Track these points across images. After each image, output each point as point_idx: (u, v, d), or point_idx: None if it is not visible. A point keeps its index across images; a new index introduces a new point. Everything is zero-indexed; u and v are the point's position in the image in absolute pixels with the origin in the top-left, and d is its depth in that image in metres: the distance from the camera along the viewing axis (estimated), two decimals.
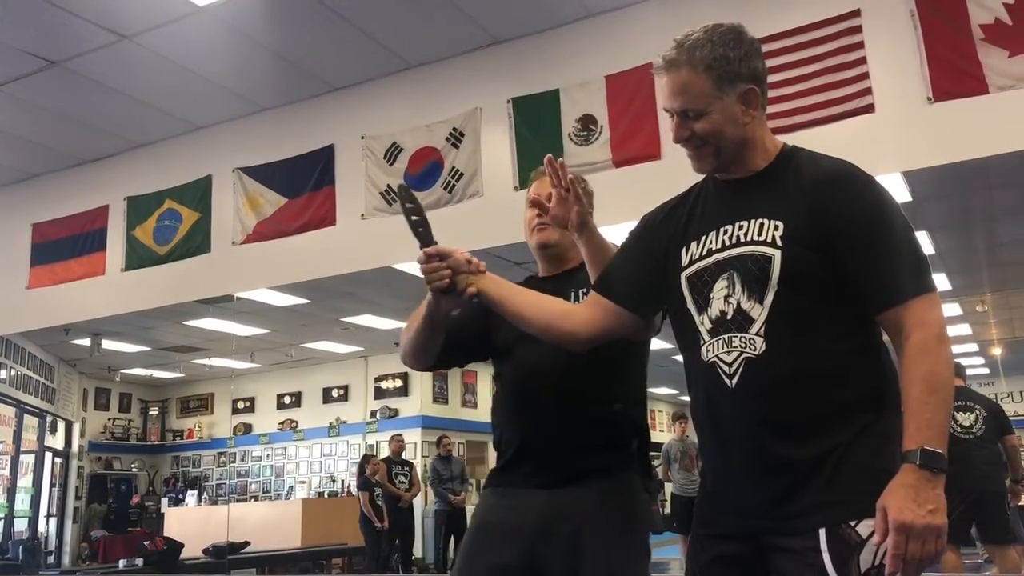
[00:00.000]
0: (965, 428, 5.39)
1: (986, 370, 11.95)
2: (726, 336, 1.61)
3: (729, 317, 1.61)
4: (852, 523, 1.47)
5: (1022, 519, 7.21)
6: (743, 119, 1.68)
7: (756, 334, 1.57)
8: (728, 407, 1.60)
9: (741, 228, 1.64)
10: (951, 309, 9.70)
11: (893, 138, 4.05)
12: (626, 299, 1.81)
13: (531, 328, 1.87)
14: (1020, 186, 5.83)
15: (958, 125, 3.90)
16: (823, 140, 4.08)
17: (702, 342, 1.64)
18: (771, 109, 4.15)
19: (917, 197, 5.75)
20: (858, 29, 4.10)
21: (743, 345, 1.58)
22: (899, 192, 5.50)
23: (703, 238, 1.70)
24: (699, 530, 1.72)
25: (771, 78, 4.26)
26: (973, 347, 11.48)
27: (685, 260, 1.71)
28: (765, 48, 4.53)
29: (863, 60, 4.07)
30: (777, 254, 1.57)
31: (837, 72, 4.11)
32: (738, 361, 1.58)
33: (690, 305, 1.68)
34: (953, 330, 10.59)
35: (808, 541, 1.49)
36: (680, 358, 1.75)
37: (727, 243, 1.65)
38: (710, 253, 1.67)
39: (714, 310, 1.63)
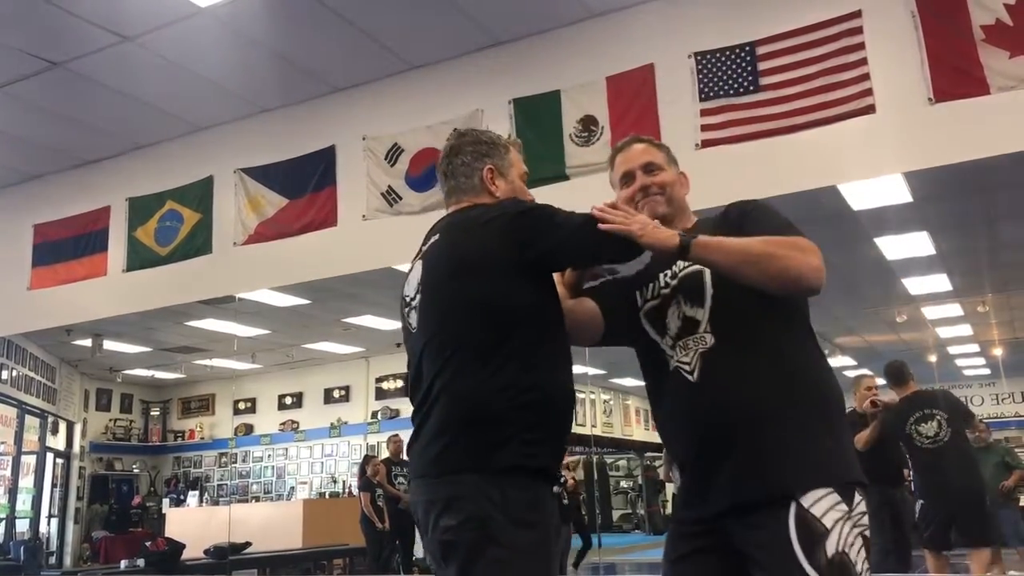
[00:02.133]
0: (931, 438, 5.28)
1: (987, 371, 11.96)
2: (681, 342, 1.94)
3: (681, 327, 1.95)
4: (815, 509, 1.70)
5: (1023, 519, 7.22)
6: (682, 190, 2.19)
7: (704, 331, 1.91)
8: (691, 400, 1.88)
9: (676, 265, 2.01)
10: (952, 310, 9.69)
11: (894, 139, 4.06)
12: (609, 333, 2.17)
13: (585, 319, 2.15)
14: (1021, 187, 5.83)
15: (959, 126, 3.89)
16: (824, 141, 4.11)
17: (667, 357, 1.97)
18: (772, 110, 4.22)
19: (918, 198, 5.75)
20: (859, 30, 4.10)
21: (696, 344, 1.91)
22: (900, 193, 5.50)
23: (651, 285, 2.08)
24: (675, 526, 1.97)
25: (773, 79, 4.34)
26: (974, 348, 11.48)
27: (640, 303, 2.08)
28: (766, 49, 4.60)
29: (864, 61, 4.07)
30: (706, 268, 1.93)
31: (838, 73, 4.10)
32: (694, 358, 1.90)
33: (653, 335, 2.02)
34: (954, 331, 10.67)
35: (779, 532, 1.71)
36: None
37: (669, 282, 2.03)
38: (659, 294, 2.04)
39: (672, 329, 1.97)
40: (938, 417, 5.33)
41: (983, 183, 5.74)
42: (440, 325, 1.94)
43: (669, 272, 2.03)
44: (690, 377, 1.88)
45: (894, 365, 5.66)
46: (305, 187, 5.52)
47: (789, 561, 1.68)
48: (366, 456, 10.27)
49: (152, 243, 6.06)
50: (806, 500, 1.72)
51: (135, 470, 13.44)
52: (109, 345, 10.17)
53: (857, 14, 4.12)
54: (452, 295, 1.93)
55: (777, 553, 1.70)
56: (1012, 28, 3.76)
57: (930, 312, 9.75)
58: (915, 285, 8.59)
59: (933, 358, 10.47)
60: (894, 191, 5.43)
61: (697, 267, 1.95)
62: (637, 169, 2.14)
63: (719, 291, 1.91)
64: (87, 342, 9.67)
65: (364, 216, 5.26)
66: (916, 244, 7.20)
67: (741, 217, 2.00)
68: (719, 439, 1.81)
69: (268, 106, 5.78)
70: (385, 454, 10.07)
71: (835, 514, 1.71)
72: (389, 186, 5.22)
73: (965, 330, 10.60)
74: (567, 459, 9.60)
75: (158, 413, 13.87)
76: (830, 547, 1.68)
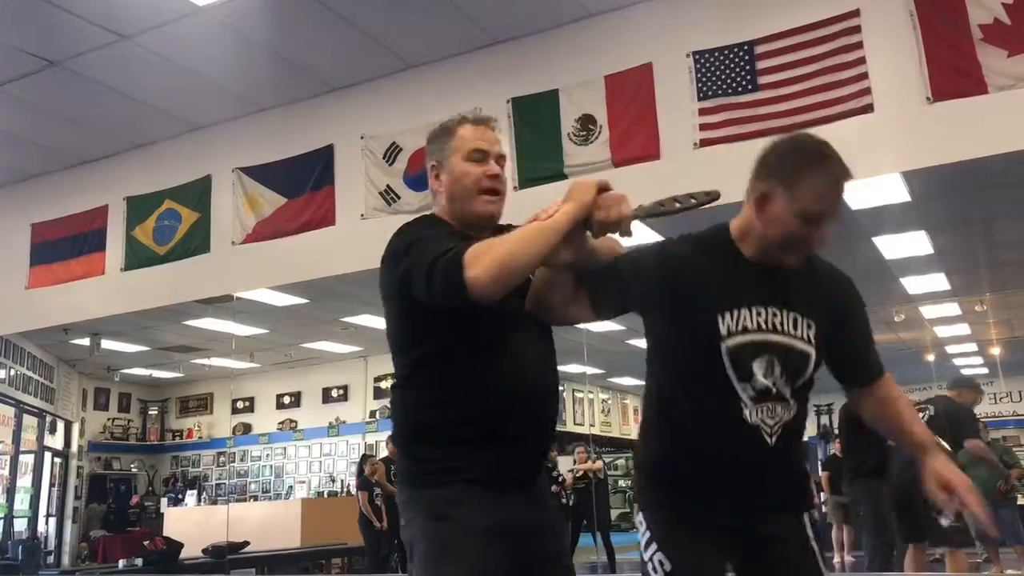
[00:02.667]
0: None
1: (985, 370, 11.94)
2: (769, 404, 1.91)
3: (773, 393, 1.91)
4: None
5: (1022, 519, 7.22)
6: None
7: (791, 404, 1.94)
8: (764, 459, 1.93)
9: (775, 316, 1.92)
10: (950, 309, 9.70)
11: (892, 138, 4.06)
12: (601, 306, 2.03)
13: (560, 284, 1.98)
14: (1019, 186, 5.83)
15: (957, 125, 3.90)
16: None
17: (743, 406, 1.90)
18: (770, 109, 4.22)
19: (916, 197, 5.75)
20: (857, 29, 4.11)
21: (784, 413, 1.93)
22: (898, 192, 5.51)
23: (736, 312, 1.90)
24: (673, 516, 2.00)
25: (771, 78, 4.34)
26: (972, 347, 11.49)
27: (723, 330, 1.90)
28: (765, 48, 4.59)
29: (862, 60, 4.07)
30: (813, 354, 1.94)
31: (836, 72, 4.11)
32: (778, 424, 1.93)
33: (730, 373, 1.90)
34: (952, 330, 10.68)
35: (796, 531, 1.99)
36: None
37: (763, 326, 1.91)
38: (746, 331, 1.90)
39: (757, 383, 1.90)
40: (927, 412, 5.40)
41: (981, 182, 5.74)
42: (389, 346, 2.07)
43: (763, 314, 1.90)
44: (769, 440, 1.93)
45: (960, 377, 6.22)
46: (303, 186, 5.51)
47: (808, 551, 1.98)
48: (364, 455, 10.27)
49: (150, 242, 6.06)
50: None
51: (133, 469, 13.43)
52: (107, 344, 10.15)
53: (855, 13, 4.12)
54: (386, 324, 2.07)
55: (798, 544, 1.98)
56: (1010, 27, 3.77)
57: (928, 311, 9.76)
58: (913, 284, 8.60)
59: (931, 357, 10.49)
60: (892, 190, 5.43)
61: (805, 347, 1.94)
62: (829, 219, 1.86)
63: (811, 375, 1.99)
64: (85, 341, 9.66)
65: (362, 215, 5.26)
66: (914, 243, 7.20)
67: (850, 310, 2.04)
68: (770, 488, 1.98)
69: (266, 105, 5.77)
70: (383, 453, 10.07)
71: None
72: (387, 185, 5.22)
73: (963, 329, 10.61)
74: (586, 459, 9.57)
75: (156, 412, 13.86)
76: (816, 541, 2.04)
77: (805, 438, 2.20)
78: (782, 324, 1.91)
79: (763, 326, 1.90)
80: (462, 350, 1.90)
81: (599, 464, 9.64)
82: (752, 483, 1.96)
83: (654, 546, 1.98)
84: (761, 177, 1.89)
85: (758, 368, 1.88)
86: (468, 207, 2.00)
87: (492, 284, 1.74)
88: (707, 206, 1.91)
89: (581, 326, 4.72)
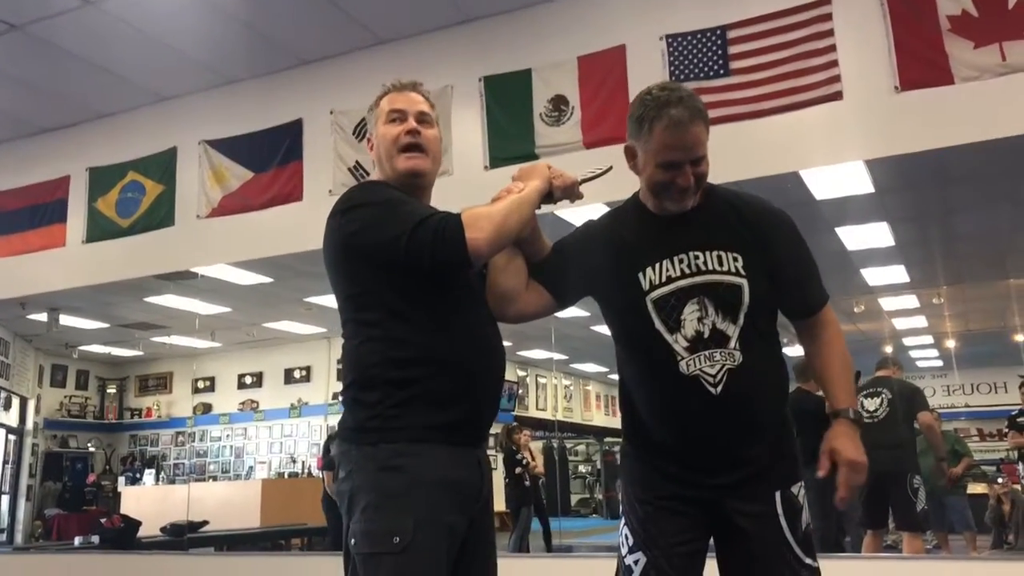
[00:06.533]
0: (870, 412, 5.41)
1: (940, 362, 12.19)
2: (706, 352, 1.90)
3: (706, 336, 1.91)
4: (793, 489, 1.95)
5: (971, 507, 7.40)
6: None
7: (733, 348, 1.90)
8: (710, 411, 1.90)
9: (698, 258, 1.94)
10: (908, 301, 9.88)
11: (860, 125, 4.12)
12: (560, 293, 2.08)
13: (508, 282, 2.04)
14: (977, 179, 5.94)
15: (924, 114, 3.97)
16: (791, 126, 4.16)
17: (679, 358, 1.92)
18: (741, 95, 4.26)
19: (879, 188, 5.83)
20: (828, 17, 4.16)
21: (724, 359, 1.90)
22: (862, 182, 5.58)
23: (657, 266, 1.96)
24: (646, 495, 1.99)
25: (741, 63, 4.37)
26: (928, 339, 11.70)
27: (645, 285, 1.96)
28: (737, 33, 4.61)
29: (832, 48, 4.13)
30: (744, 283, 1.92)
31: (806, 59, 4.16)
32: (721, 372, 1.89)
33: (659, 326, 1.94)
34: (909, 322, 10.85)
35: (766, 507, 1.91)
36: None
37: (686, 271, 1.94)
38: (670, 280, 1.95)
39: (688, 330, 1.92)
40: (883, 395, 5.50)
41: (941, 175, 5.85)
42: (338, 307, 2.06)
43: (684, 260, 1.94)
44: (713, 390, 1.89)
45: (890, 356, 6.14)
46: (271, 161, 5.46)
47: (777, 534, 1.90)
48: (330, 435, 10.22)
49: (113, 214, 5.96)
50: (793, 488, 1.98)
51: (90, 448, 13.22)
52: (66, 320, 9.97)
53: (826, 1, 4.17)
54: (332, 284, 2.05)
55: (766, 525, 1.91)
56: (977, 19, 3.84)
57: (887, 303, 9.92)
58: (873, 276, 8.73)
59: (889, 348, 10.66)
60: (857, 182, 5.50)
61: (734, 278, 1.92)
62: (688, 162, 1.92)
63: (752, 311, 1.93)
64: (43, 316, 9.47)
65: (331, 191, 5.21)
66: (876, 235, 7.31)
67: (778, 241, 2.00)
68: (732, 449, 1.94)
69: (235, 77, 5.70)
70: None
71: (802, 492, 1.97)
72: (357, 161, 5.18)
73: (920, 321, 10.81)
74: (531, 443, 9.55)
75: (115, 391, 13.65)
76: (803, 521, 1.94)
77: None
78: (706, 264, 1.93)
79: (687, 271, 1.94)
80: (413, 310, 1.92)
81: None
82: (703, 438, 1.93)
83: (623, 519, 2.04)
84: (627, 135, 2.01)
85: (690, 312, 1.92)
86: (393, 166, 2.05)
87: (488, 246, 1.85)
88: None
89: None
